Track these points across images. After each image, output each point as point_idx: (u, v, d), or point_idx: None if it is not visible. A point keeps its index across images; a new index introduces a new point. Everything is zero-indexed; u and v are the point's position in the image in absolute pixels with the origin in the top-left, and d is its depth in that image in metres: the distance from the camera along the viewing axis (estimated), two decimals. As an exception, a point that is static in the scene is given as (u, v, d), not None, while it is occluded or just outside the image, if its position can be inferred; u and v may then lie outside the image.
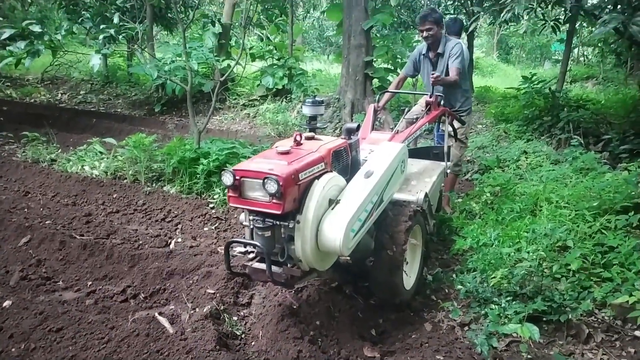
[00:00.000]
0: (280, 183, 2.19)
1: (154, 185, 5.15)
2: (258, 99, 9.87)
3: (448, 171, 4.19)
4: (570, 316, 2.76)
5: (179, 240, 3.97)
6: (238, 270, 2.70)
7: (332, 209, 2.47)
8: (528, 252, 3.24)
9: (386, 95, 4.57)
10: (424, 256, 3.37)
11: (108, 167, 5.47)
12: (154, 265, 3.42)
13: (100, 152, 5.86)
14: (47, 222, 4.07)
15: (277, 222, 2.37)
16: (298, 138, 2.65)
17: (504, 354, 2.67)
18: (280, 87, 9.52)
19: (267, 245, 2.40)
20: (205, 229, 4.25)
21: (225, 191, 2.33)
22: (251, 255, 2.60)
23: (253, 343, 2.67)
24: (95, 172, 5.41)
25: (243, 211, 2.61)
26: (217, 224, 4.33)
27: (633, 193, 3.55)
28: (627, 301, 2.69)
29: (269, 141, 6.52)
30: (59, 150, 6.13)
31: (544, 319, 2.82)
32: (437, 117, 4.12)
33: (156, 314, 2.79)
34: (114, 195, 4.88)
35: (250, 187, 2.31)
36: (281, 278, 2.46)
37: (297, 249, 2.40)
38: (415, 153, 4.29)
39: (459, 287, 3.25)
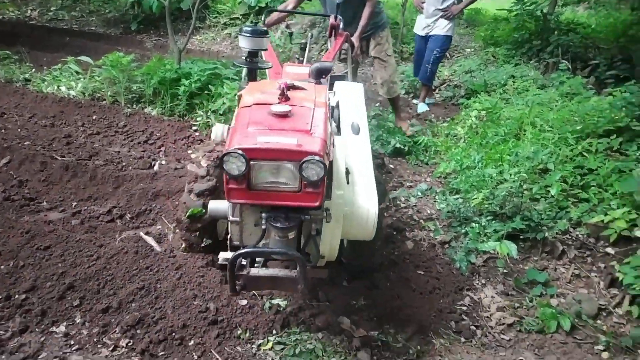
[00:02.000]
0: (325, 164, 1.63)
1: (134, 106, 5.00)
2: (240, 17, 9.42)
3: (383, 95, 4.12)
4: (546, 234, 2.87)
5: (163, 162, 3.93)
6: (239, 285, 1.89)
7: (347, 183, 1.98)
8: (510, 174, 3.31)
9: (274, 15, 4.04)
10: None
11: (86, 88, 5.27)
12: (138, 186, 3.40)
13: (77, 72, 5.61)
14: (26, 143, 3.97)
15: (306, 217, 1.80)
16: (284, 90, 1.91)
17: (481, 269, 2.80)
18: (262, 4, 9.07)
19: (293, 248, 1.83)
20: (189, 151, 4.21)
21: (225, 179, 1.67)
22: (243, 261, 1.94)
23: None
24: (72, 93, 5.22)
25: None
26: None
27: (616, 117, 3.58)
28: (602, 220, 2.80)
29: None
30: (33, 70, 5.85)
31: (521, 237, 2.94)
32: (342, 45, 3.57)
33: (142, 234, 2.82)
34: (94, 117, 4.75)
35: (269, 174, 1.68)
36: (308, 286, 1.90)
37: (324, 243, 1.92)
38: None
39: (441, 206, 3.34)
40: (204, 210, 2.36)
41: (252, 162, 1.63)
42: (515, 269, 2.78)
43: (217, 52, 8.08)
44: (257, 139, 1.67)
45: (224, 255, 1.92)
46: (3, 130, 4.23)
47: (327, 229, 1.89)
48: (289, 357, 2.04)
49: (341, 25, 3.57)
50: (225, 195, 1.72)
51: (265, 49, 2.48)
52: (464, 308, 2.48)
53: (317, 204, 1.69)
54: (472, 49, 8.29)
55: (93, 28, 9.57)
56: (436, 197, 3.56)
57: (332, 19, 3.49)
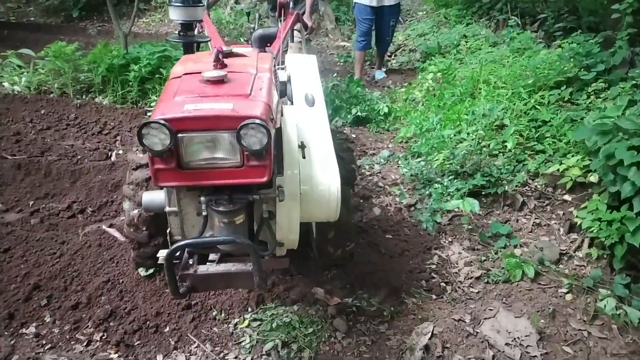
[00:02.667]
0: (269, 129, 1.38)
1: (84, 97, 4.82)
2: (187, -4, 9.11)
3: None
4: (506, 188, 2.96)
5: (120, 152, 3.82)
6: (185, 287, 1.63)
7: (303, 157, 1.77)
8: (468, 133, 3.37)
9: None
10: None
11: (30, 82, 5.03)
12: (97, 179, 3.31)
13: (19, 66, 5.35)
14: (-29, 145, 3.79)
15: (254, 197, 1.56)
16: (219, 55, 1.65)
17: (447, 227, 2.87)
18: (209, -19, 8.78)
19: (242, 235, 1.57)
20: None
21: (149, 159, 1.40)
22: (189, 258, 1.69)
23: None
24: (16, 88, 4.97)
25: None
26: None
27: (565, 68, 3.67)
28: (558, 169, 2.90)
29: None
30: (-30, 68, 5.54)
31: (483, 192, 3.01)
32: (293, 24, 3.33)
33: (104, 227, 2.75)
34: (42, 112, 4.54)
35: (202, 149, 1.41)
36: (264, 278, 1.62)
37: (281, 227, 1.70)
38: None
39: (404, 171, 3.38)
40: None
41: (179, 135, 1.36)
42: (480, 224, 2.86)
43: (165, 34, 7.81)
44: (185, 107, 1.40)
45: (164, 253, 1.55)
46: (-55, 134, 4.01)
47: (281, 210, 1.66)
48: (267, 332, 2.06)
49: (291, 4, 3.38)
50: (152, 179, 1.44)
51: (200, 20, 2.22)
52: (433, 266, 2.55)
53: (264, 179, 1.43)
54: (424, 12, 8.31)
55: (32, 19, 9.09)
56: (399, 162, 3.61)
57: None
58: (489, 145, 3.24)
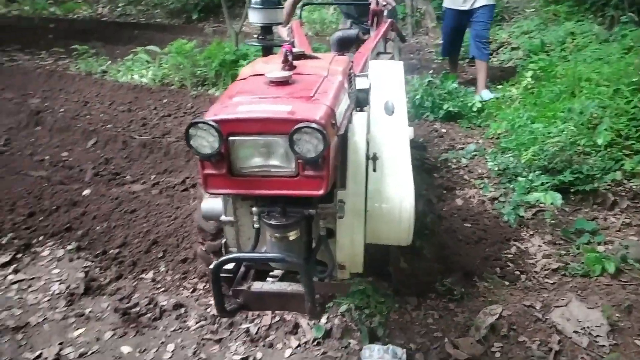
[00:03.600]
0: (326, 135, 1.21)
1: (199, 89, 5.40)
2: None
3: None
4: (596, 185, 2.89)
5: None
6: (233, 305, 1.60)
7: (374, 170, 1.58)
8: (561, 130, 3.32)
9: (289, 7, 3.59)
10: None
11: (155, 75, 5.75)
12: (206, 159, 3.76)
13: (147, 61, 6.11)
14: (108, 126, 4.47)
15: (310, 211, 1.41)
16: (289, 56, 1.56)
17: (529, 221, 2.88)
18: (314, -16, 9.20)
19: (297, 253, 1.43)
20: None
21: (199, 163, 1.30)
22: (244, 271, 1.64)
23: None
24: (144, 80, 5.71)
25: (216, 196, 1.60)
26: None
27: (677, 66, 3.45)
28: (656, 170, 2.78)
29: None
30: (109, 62, 6.43)
31: (572, 190, 2.97)
32: (386, 33, 3.13)
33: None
34: (164, 101, 5.18)
35: (255, 154, 1.29)
36: (315, 303, 1.49)
37: (341, 247, 1.52)
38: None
39: (491, 165, 3.42)
40: None
41: (230, 139, 1.25)
42: (564, 221, 2.84)
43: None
44: (238, 108, 1.30)
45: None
46: (88, 116, 4.76)
47: (342, 228, 1.48)
48: (342, 296, 2.28)
49: (385, 12, 3.18)
50: (201, 184, 1.35)
51: (280, 23, 2.18)
52: (510, 256, 2.60)
53: (320, 191, 1.27)
54: (534, 9, 7.99)
55: (158, 20, 10.19)
56: (487, 157, 3.63)
57: (373, 4, 3.10)
58: (581, 142, 3.17)
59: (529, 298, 2.28)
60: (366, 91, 1.81)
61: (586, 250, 2.50)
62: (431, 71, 5.42)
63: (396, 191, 1.57)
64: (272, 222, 1.36)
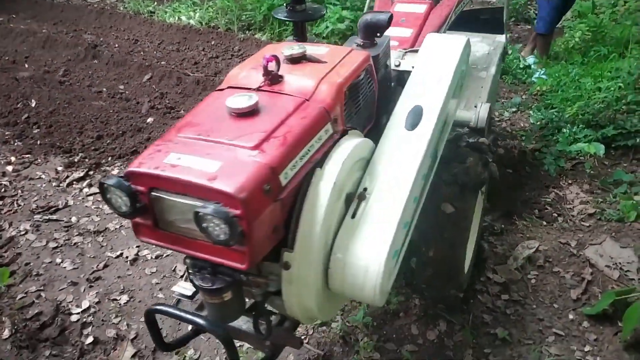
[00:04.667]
0: (241, 216, 1.02)
1: (246, 33, 5.52)
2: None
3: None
4: (638, 140, 2.98)
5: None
6: (181, 337, 1.49)
7: (353, 216, 1.30)
8: (607, 88, 3.37)
9: None
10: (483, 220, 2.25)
11: (202, 17, 5.87)
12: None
13: (193, 3, 6.23)
14: (162, 63, 4.66)
15: (242, 277, 1.20)
16: (271, 65, 1.32)
17: (569, 172, 3.01)
18: None
19: (223, 314, 1.25)
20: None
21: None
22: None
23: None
24: (191, 22, 5.85)
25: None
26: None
27: None
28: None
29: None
30: (155, 3, 6.56)
31: (613, 145, 3.07)
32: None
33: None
34: (212, 42, 5.33)
35: (176, 213, 1.11)
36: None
37: (289, 305, 1.28)
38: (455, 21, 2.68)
39: (534, 119, 3.51)
40: None
41: (153, 193, 1.10)
42: (603, 172, 2.95)
43: (315, -17, 8.32)
44: (164, 160, 1.11)
45: (180, 288, 1.35)
46: (142, 53, 4.95)
47: (287, 287, 1.23)
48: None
49: None
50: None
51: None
52: (548, 200, 2.75)
53: (243, 266, 1.08)
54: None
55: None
56: (530, 112, 3.72)
57: None
58: (627, 98, 3.24)
59: (564, 237, 2.45)
60: (372, 101, 1.56)
61: (622, 198, 2.63)
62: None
63: (367, 247, 1.25)
64: (199, 283, 1.18)
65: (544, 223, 2.57)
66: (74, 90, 4.23)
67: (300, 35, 1.78)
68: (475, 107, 1.95)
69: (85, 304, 2.18)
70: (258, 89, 1.32)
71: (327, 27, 4.88)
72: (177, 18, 6.00)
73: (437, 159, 1.56)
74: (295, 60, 1.42)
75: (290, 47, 1.42)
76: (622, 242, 2.36)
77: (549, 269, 2.26)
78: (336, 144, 1.31)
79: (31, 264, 2.43)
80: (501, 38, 2.76)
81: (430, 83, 1.56)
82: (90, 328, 2.09)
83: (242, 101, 1.22)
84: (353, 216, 1.29)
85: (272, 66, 1.32)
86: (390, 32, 1.77)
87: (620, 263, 2.21)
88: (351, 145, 1.31)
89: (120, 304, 2.21)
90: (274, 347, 1.38)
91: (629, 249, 2.28)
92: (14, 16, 5.97)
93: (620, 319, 1.92)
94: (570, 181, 2.93)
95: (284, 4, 1.74)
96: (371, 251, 1.24)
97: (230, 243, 1.02)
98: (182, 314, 1.26)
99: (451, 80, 1.55)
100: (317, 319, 1.42)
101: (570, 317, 2.06)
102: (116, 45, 5.18)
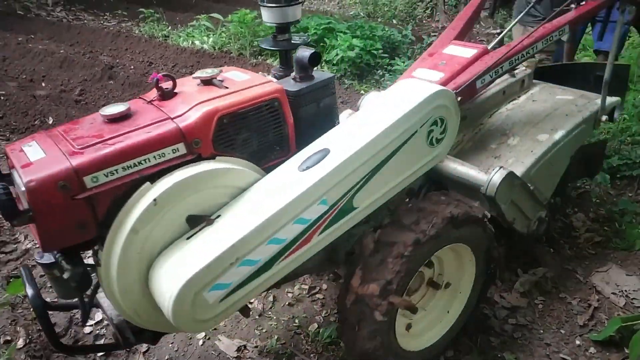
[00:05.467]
0: (29, 202, 1.17)
1: (258, 58, 5.66)
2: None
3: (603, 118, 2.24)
4: (643, 171, 3.04)
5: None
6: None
7: (188, 238, 1.32)
8: (612, 119, 3.45)
9: None
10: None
11: (215, 42, 6.04)
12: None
13: (207, 28, 6.41)
14: (176, 85, 4.78)
15: (58, 258, 1.31)
16: (165, 84, 1.46)
17: (575, 200, 3.06)
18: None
19: (57, 290, 1.42)
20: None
21: None
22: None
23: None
24: (205, 47, 6.01)
25: None
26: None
27: None
28: None
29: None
30: (169, 28, 6.76)
31: (618, 175, 3.13)
32: (595, 13, 2.25)
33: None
34: (224, 66, 5.47)
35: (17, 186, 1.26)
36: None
37: (113, 304, 1.38)
38: (561, 73, 2.54)
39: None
40: None
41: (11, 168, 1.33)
42: (609, 201, 3.00)
43: (324, 12, 8.55)
44: (22, 145, 1.34)
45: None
46: (157, 75, 5.08)
47: (105, 288, 1.35)
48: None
49: None
50: None
51: (298, 20, 1.77)
52: (555, 228, 2.79)
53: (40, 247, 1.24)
54: None
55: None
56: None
57: None
58: (631, 130, 3.31)
59: (571, 264, 2.48)
60: (284, 136, 1.56)
61: (629, 227, 2.67)
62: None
63: (173, 272, 1.25)
64: (34, 257, 1.48)
65: (551, 250, 2.60)
66: (90, 109, 4.33)
67: (285, 64, 1.83)
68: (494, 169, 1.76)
69: (98, 316, 2.22)
70: (150, 102, 1.45)
71: (337, 54, 5.02)
72: (190, 42, 6.17)
73: (351, 210, 1.42)
74: (205, 82, 1.50)
75: (204, 71, 1.52)
76: (629, 269, 2.39)
77: (556, 294, 2.29)
78: (186, 164, 1.34)
79: (45, 276, 2.46)
80: (597, 101, 2.21)
81: (367, 125, 1.46)
82: (103, 340, 2.12)
83: (112, 109, 1.37)
84: (189, 237, 1.32)
85: (166, 84, 1.46)
86: (420, 74, 1.82)
87: (626, 290, 2.24)
88: (202, 169, 1.33)
89: (132, 318, 2.23)
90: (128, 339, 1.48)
91: (635, 276, 2.32)
92: (32, 36, 6.13)
93: (627, 346, 1.95)
94: (576, 209, 2.98)
95: (272, 36, 1.81)
96: (176, 274, 1.23)
97: (13, 222, 1.18)
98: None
99: (391, 125, 1.43)
100: (146, 325, 1.42)
101: (577, 342, 2.08)
102: (132, 67, 5.33)
